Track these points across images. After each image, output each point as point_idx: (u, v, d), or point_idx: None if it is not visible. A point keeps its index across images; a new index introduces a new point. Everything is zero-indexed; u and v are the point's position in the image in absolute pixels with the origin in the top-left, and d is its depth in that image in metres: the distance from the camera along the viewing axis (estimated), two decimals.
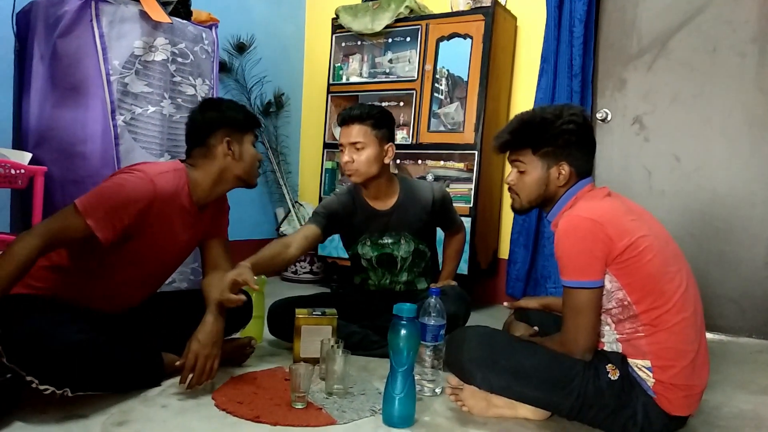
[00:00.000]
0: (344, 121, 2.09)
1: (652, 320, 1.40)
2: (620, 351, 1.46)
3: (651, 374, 1.41)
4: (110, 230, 1.51)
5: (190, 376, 1.58)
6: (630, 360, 1.44)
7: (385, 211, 2.17)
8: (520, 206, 1.63)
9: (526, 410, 1.55)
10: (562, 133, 1.52)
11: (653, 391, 1.41)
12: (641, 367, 1.42)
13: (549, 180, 1.56)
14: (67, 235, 1.48)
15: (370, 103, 2.06)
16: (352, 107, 2.09)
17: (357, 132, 2.05)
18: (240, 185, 1.83)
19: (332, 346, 1.70)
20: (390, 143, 2.12)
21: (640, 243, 1.39)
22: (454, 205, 3.00)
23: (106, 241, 1.50)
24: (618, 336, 1.46)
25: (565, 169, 1.54)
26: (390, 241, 2.18)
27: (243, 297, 1.67)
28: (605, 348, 1.49)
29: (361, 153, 2.05)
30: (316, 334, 1.90)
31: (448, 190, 3.09)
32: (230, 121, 1.78)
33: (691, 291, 1.45)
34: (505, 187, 3.24)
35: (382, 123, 2.09)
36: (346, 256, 2.37)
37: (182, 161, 1.78)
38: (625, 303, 1.42)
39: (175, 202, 1.66)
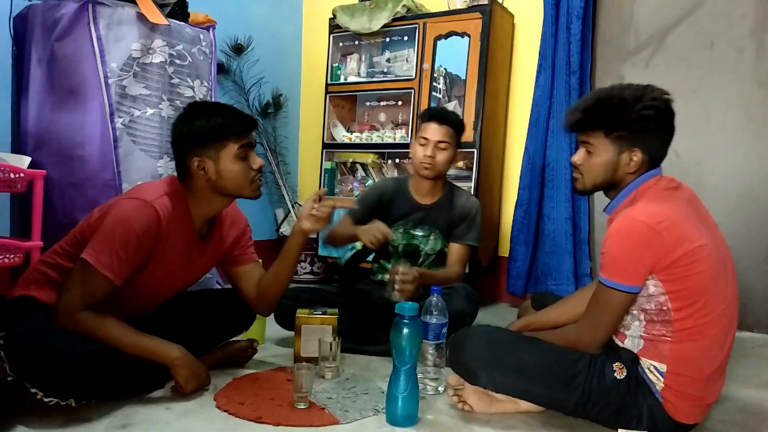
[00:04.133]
0: (436, 118, 2.22)
1: (685, 329, 1.36)
2: (640, 347, 1.43)
3: (662, 379, 1.39)
4: (127, 272, 1.51)
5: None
6: (644, 359, 1.42)
7: (426, 205, 2.30)
8: (583, 187, 1.54)
9: (528, 404, 1.55)
10: (640, 119, 1.42)
11: (661, 395, 1.39)
12: (653, 369, 1.40)
13: (618, 165, 1.46)
14: (99, 295, 1.48)
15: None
16: (441, 108, 2.27)
17: (446, 132, 2.20)
18: (239, 198, 1.71)
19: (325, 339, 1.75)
20: (458, 150, 2.29)
21: (696, 252, 1.33)
22: None
23: (122, 281, 1.50)
24: (644, 333, 1.42)
25: (638, 156, 1.44)
26: (421, 233, 2.26)
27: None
28: (626, 341, 1.46)
29: (443, 153, 2.21)
30: (316, 334, 1.90)
31: None
32: (195, 137, 1.59)
33: (732, 305, 1.42)
34: (505, 183, 3.27)
35: (462, 131, 2.29)
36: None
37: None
38: (664, 308, 1.37)
39: (177, 229, 1.61)
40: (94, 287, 1.47)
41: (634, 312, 1.43)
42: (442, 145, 2.19)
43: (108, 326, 1.48)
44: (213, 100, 2.65)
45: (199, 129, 1.59)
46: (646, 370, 1.42)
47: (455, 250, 2.27)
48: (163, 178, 1.70)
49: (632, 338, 1.45)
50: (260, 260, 1.90)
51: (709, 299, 1.35)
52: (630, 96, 1.43)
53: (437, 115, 2.24)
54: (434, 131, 2.20)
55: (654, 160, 1.47)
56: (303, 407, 1.54)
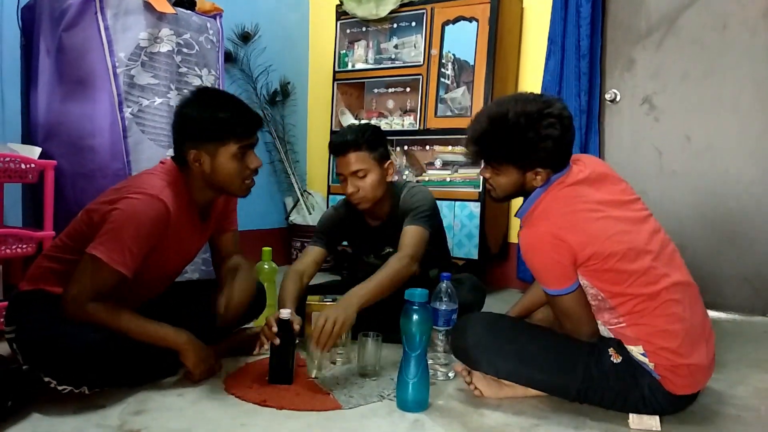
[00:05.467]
0: (338, 150, 1.98)
1: (630, 310, 1.39)
2: (611, 336, 1.46)
3: (647, 359, 1.40)
4: (139, 264, 1.52)
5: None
6: (626, 346, 1.44)
7: (377, 227, 2.14)
8: (497, 197, 1.59)
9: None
10: (540, 150, 1.43)
11: (656, 372, 1.40)
12: (636, 353, 1.42)
13: (525, 181, 1.50)
14: (109, 287, 1.48)
15: (356, 123, 1.99)
16: (341, 133, 1.99)
17: (356, 160, 1.95)
18: (226, 194, 1.71)
19: (361, 333, 1.73)
20: (389, 161, 2.04)
21: (605, 248, 1.36)
22: (462, 189, 3.01)
23: (132, 273, 1.51)
24: (603, 324, 1.46)
25: (542, 174, 1.47)
26: (391, 250, 2.10)
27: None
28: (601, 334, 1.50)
29: (365, 180, 1.96)
30: None
31: (456, 175, 3.11)
32: (197, 130, 1.58)
33: (673, 270, 1.41)
34: None
35: (377, 143, 2.00)
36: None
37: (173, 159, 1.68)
38: (599, 298, 1.41)
39: (181, 217, 1.61)
40: (105, 281, 1.47)
41: None
42: (359, 174, 1.95)
43: (117, 316, 1.49)
44: (221, 89, 2.65)
45: (201, 122, 1.57)
46: (633, 353, 1.43)
47: (403, 232, 1.95)
48: (159, 167, 1.67)
49: (601, 330, 1.49)
50: (236, 229, 1.90)
51: (636, 279, 1.37)
52: (525, 121, 1.41)
53: (337, 146, 1.98)
54: (344, 164, 1.96)
55: (559, 170, 1.49)
56: (318, 378, 1.59)
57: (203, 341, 1.65)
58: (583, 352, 1.44)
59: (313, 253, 2.09)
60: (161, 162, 1.70)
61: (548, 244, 1.39)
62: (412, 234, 1.92)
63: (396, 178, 3.13)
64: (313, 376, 1.58)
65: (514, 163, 1.48)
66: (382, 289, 1.76)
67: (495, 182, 1.55)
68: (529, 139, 1.42)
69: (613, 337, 1.46)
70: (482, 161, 1.55)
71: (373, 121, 3.44)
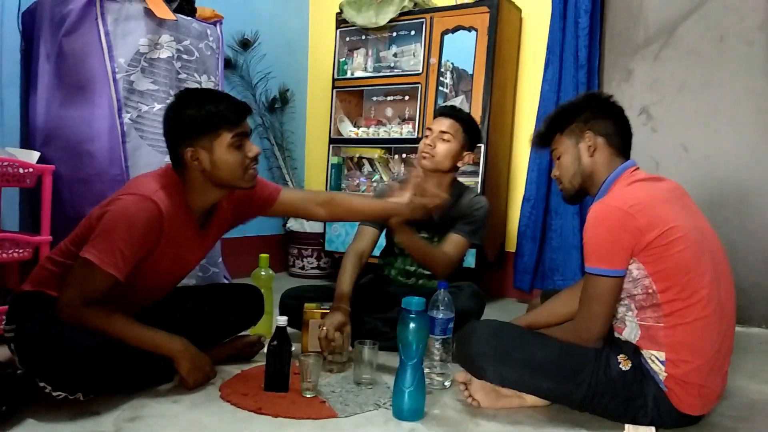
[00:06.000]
0: (442, 113, 2.21)
1: (674, 312, 1.39)
2: (638, 338, 1.45)
3: (663, 368, 1.40)
4: (129, 267, 1.51)
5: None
6: (644, 351, 1.44)
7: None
8: (568, 193, 1.65)
9: (534, 398, 1.56)
10: (579, 108, 1.60)
11: (664, 384, 1.40)
12: (654, 359, 1.42)
13: (581, 154, 1.58)
14: (102, 291, 1.47)
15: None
16: (453, 105, 2.16)
17: (450, 124, 2.14)
18: (233, 189, 1.67)
19: (358, 341, 1.72)
20: (469, 152, 2.19)
21: (672, 233, 1.38)
22: None
23: (125, 277, 1.50)
24: (638, 321, 1.45)
25: (591, 137, 1.57)
26: (425, 236, 2.19)
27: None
28: (624, 333, 1.48)
29: (444, 144, 2.13)
30: None
31: None
32: (187, 128, 1.55)
33: (721, 291, 1.43)
34: (512, 179, 3.26)
35: (473, 131, 2.20)
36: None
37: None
38: (650, 291, 1.41)
39: (176, 222, 1.59)
40: (98, 284, 1.47)
41: (626, 302, 1.47)
42: (444, 136, 2.13)
43: (112, 320, 1.49)
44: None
45: (190, 119, 1.55)
46: (648, 360, 1.43)
47: (450, 239, 2.13)
48: (157, 171, 1.67)
49: (630, 328, 1.48)
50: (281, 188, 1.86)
51: (692, 279, 1.38)
52: (568, 102, 1.66)
53: (445, 109, 2.23)
54: (438, 123, 2.17)
55: (613, 143, 1.58)
56: (310, 396, 1.56)
57: (199, 347, 1.64)
58: (590, 358, 1.44)
59: (369, 232, 2.20)
60: (166, 165, 1.69)
61: (616, 220, 1.40)
62: (456, 243, 2.12)
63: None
64: (307, 396, 1.58)
65: (566, 132, 1.62)
66: (422, 253, 2.05)
67: (561, 171, 1.64)
68: (572, 105, 1.64)
69: (630, 341, 1.46)
70: (551, 156, 1.69)
71: (372, 129, 3.45)
